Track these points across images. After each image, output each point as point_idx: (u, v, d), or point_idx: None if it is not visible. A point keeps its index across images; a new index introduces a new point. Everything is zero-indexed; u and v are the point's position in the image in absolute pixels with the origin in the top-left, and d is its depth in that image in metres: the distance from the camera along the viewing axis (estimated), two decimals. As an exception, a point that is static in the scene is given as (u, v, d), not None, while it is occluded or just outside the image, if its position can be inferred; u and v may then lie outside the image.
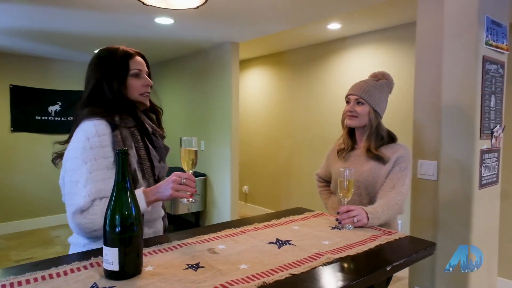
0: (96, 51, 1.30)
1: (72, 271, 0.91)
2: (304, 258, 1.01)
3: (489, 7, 1.83)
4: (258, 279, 0.87)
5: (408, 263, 1.07)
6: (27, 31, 3.44)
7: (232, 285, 0.84)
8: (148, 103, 1.31)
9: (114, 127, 1.16)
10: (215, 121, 4.24)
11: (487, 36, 1.81)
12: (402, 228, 3.32)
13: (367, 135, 1.59)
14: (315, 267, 0.96)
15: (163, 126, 1.39)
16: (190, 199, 1.16)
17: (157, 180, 1.27)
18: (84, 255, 1.01)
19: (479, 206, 1.86)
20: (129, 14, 2.92)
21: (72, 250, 1.19)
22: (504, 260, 2.60)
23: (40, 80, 4.71)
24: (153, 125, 1.31)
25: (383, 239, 1.19)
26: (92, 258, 0.98)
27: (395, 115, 3.27)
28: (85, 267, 0.93)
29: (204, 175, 4.39)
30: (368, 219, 1.32)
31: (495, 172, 1.97)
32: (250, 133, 5.30)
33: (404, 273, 2.47)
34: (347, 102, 1.64)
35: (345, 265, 1.00)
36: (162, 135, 1.34)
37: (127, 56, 1.24)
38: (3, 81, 4.46)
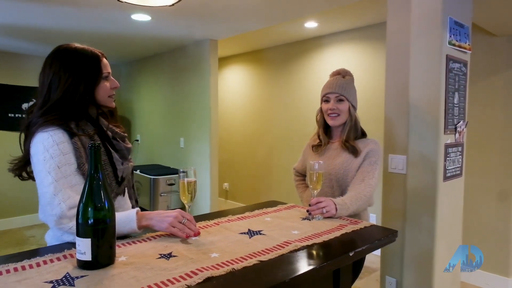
0: (55, 50, 1.19)
1: (45, 262, 0.92)
2: (273, 246, 1.06)
3: (452, 9, 1.93)
4: (228, 266, 0.92)
5: (370, 249, 1.13)
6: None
7: (201, 271, 0.88)
8: (113, 105, 1.29)
9: (71, 134, 1.12)
10: (194, 118, 4.25)
11: (450, 36, 1.91)
12: (376, 220, 3.43)
13: (347, 129, 1.66)
14: (283, 254, 1.01)
15: (118, 123, 1.34)
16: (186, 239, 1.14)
17: (120, 182, 1.24)
18: (58, 248, 1.03)
19: (443, 198, 1.96)
20: (105, 10, 2.89)
21: None
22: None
23: (14, 76, 4.59)
24: (113, 128, 1.26)
25: (349, 228, 1.26)
26: (65, 250, 1.00)
27: (369, 111, 3.38)
28: (58, 259, 0.95)
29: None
30: (336, 210, 1.39)
31: (459, 165, 2.09)
32: (229, 131, 5.33)
33: (378, 265, 2.57)
34: (326, 101, 1.69)
35: (311, 252, 1.05)
36: (123, 136, 1.29)
37: (98, 58, 1.21)
38: (-26, 77, 4.33)
